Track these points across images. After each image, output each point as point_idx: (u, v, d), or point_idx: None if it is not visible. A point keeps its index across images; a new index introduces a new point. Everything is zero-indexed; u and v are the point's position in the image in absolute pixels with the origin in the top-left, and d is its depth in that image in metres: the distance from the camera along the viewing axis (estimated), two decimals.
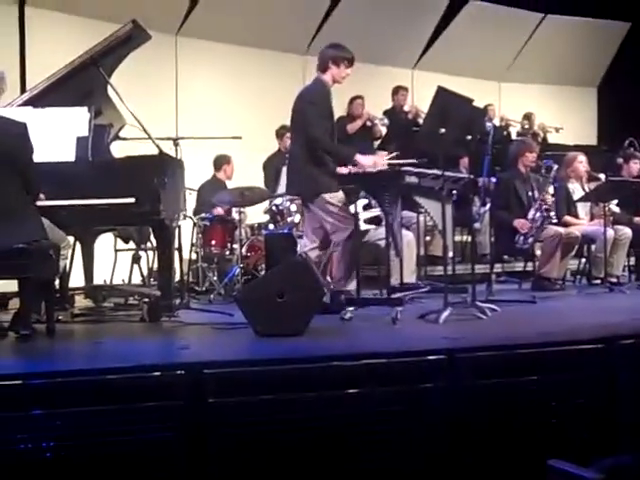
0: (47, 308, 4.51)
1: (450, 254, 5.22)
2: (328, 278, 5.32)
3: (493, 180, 6.95)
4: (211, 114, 9.02)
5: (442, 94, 5.00)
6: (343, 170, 5.30)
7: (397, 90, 9.53)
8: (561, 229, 7.01)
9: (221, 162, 8.22)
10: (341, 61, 5.42)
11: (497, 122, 9.77)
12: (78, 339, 4.71)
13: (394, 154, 5.56)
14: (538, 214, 6.95)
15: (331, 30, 9.74)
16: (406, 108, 9.34)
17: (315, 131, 5.29)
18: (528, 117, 10.52)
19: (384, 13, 10.16)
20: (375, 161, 5.32)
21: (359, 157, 5.33)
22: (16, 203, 4.24)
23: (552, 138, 10.74)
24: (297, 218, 7.09)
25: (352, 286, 5.29)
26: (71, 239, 5.20)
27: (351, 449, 3.29)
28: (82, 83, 5.41)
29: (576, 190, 7.47)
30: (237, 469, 3.19)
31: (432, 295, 5.59)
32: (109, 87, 5.49)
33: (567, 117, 11.35)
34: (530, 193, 7.10)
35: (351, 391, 3.34)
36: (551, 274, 6.92)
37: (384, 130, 8.91)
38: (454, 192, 5.28)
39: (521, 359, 3.64)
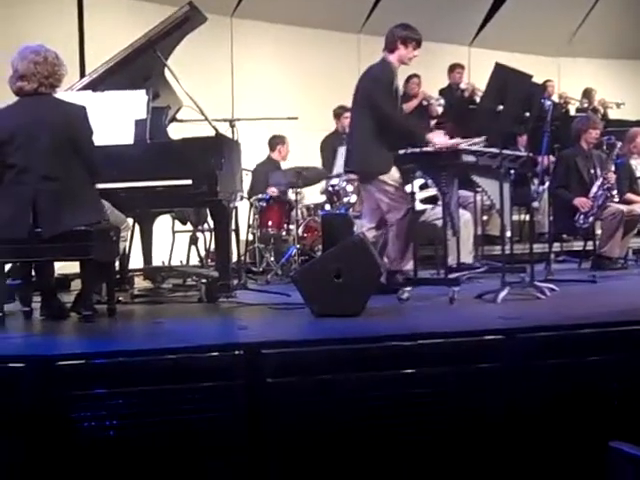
0: (108, 289, 4.58)
1: (508, 233, 5.16)
2: (385, 259, 5.30)
3: (552, 158, 6.84)
4: (267, 95, 9.04)
5: (500, 70, 4.93)
6: (436, 142, 5.18)
7: (453, 68, 9.43)
8: (623, 207, 6.88)
9: (276, 142, 8.24)
10: (410, 42, 5.35)
11: (556, 99, 9.61)
12: (138, 319, 4.77)
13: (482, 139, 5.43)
14: (600, 192, 6.83)
15: (386, 8, 9.67)
16: (462, 86, 9.23)
17: (386, 107, 5.23)
18: (588, 93, 10.31)
19: None
20: (446, 143, 5.20)
21: (432, 136, 5.18)
22: (78, 186, 4.29)
23: (613, 114, 10.52)
24: (353, 198, 7.08)
25: (409, 266, 5.26)
26: (130, 221, 5.26)
27: (408, 429, 3.29)
28: (140, 66, 5.46)
29: (639, 166, 7.31)
30: (295, 449, 3.21)
31: (489, 275, 5.55)
32: (166, 69, 5.54)
33: (628, 92, 11.09)
34: (592, 171, 6.98)
35: (408, 371, 3.34)
36: (612, 253, 6.81)
37: (440, 109, 8.82)
38: (512, 171, 5.21)
39: (581, 339, 3.59)
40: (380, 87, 5.26)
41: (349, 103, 5.68)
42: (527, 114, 5.06)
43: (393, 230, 5.29)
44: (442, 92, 9.14)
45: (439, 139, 5.12)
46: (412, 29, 5.39)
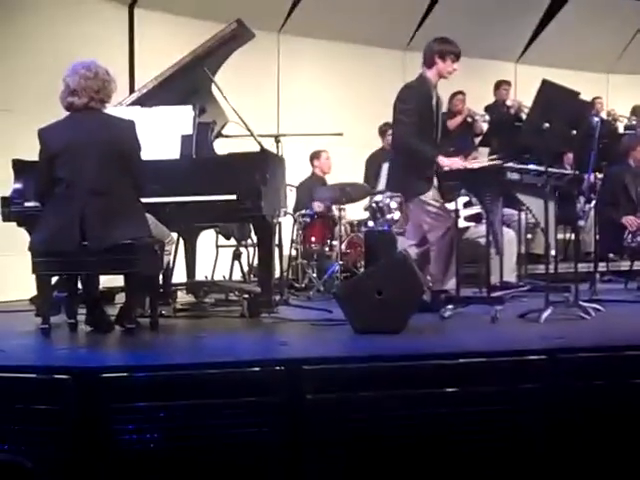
0: (151, 303, 4.62)
1: (552, 252, 5.11)
2: (428, 277, 5.28)
3: (599, 176, 6.76)
4: (312, 111, 9.08)
5: (547, 87, 4.89)
6: (444, 164, 5.19)
7: (499, 85, 9.38)
8: None
9: (312, 157, 8.30)
10: (447, 55, 5.33)
11: (604, 116, 9.50)
12: (180, 333, 4.81)
13: (494, 157, 5.45)
14: None
15: (432, 25, 9.66)
16: (509, 103, 9.16)
17: (398, 129, 5.26)
18: (637, 110, 10.18)
19: (487, 6, 10.01)
20: (454, 162, 5.20)
21: (440, 158, 5.20)
22: (125, 200, 4.34)
23: None
24: (397, 215, 7.05)
25: (450, 285, 5.24)
26: (174, 235, 5.31)
27: (448, 448, 3.26)
28: (188, 82, 5.53)
29: None
30: (334, 466, 3.20)
31: (533, 294, 5.49)
32: (213, 85, 5.60)
33: None
34: None
35: (449, 390, 3.32)
36: None
37: (485, 126, 8.78)
38: (557, 191, 5.16)
39: (627, 361, 3.53)
40: (402, 106, 5.26)
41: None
42: (574, 132, 5.01)
43: (434, 248, 5.28)
44: (488, 108, 9.10)
45: (444, 161, 5.12)
46: (450, 42, 5.37)
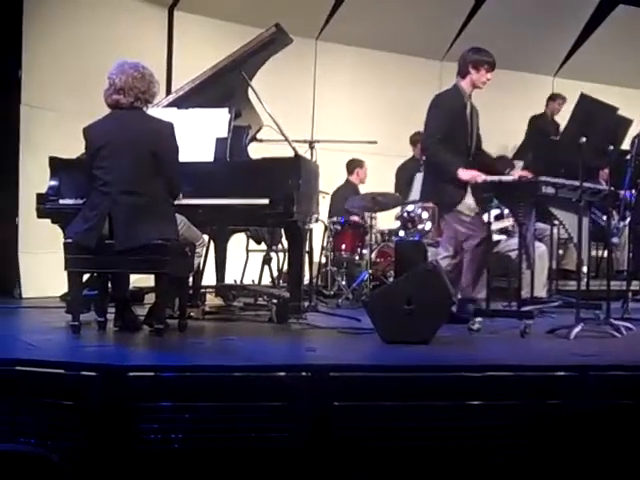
0: (180, 304, 4.65)
1: (584, 269, 5.06)
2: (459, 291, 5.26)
3: (634, 193, 6.68)
4: (347, 118, 9.07)
5: (585, 101, 4.86)
6: (478, 179, 5.18)
7: (554, 98, 9.28)
8: None
9: (354, 166, 8.28)
10: (481, 65, 5.31)
11: None
12: (208, 336, 4.82)
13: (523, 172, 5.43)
14: None
15: (470, 37, 9.60)
16: (558, 119, 9.05)
17: (425, 138, 5.25)
18: None
19: (526, 18, 9.93)
20: (473, 176, 5.16)
21: (460, 171, 5.15)
22: (156, 201, 4.37)
23: None
24: (428, 226, 7.04)
25: (480, 295, 5.21)
26: (206, 237, 5.33)
27: (471, 461, 3.24)
28: (224, 85, 5.55)
29: None
30: (359, 472, 3.19)
31: (563, 310, 5.43)
32: (250, 89, 5.61)
33: None
34: None
35: (475, 402, 3.29)
36: None
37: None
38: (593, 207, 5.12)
39: None
40: (432, 116, 5.26)
41: None
42: (611, 147, 4.96)
43: (468, 256, 5.26)
44: (534, 119, 9.00)
45: (463, 174, 5.10)
46: (484, 52, 5.35)
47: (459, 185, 5.21)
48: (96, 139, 4.41)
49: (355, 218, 7.55)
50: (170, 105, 5.45)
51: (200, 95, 5.50)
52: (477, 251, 5.21)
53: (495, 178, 5.10)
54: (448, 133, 5.24)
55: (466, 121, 5.36)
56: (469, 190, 5.30)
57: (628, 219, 6.77)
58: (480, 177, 5.09)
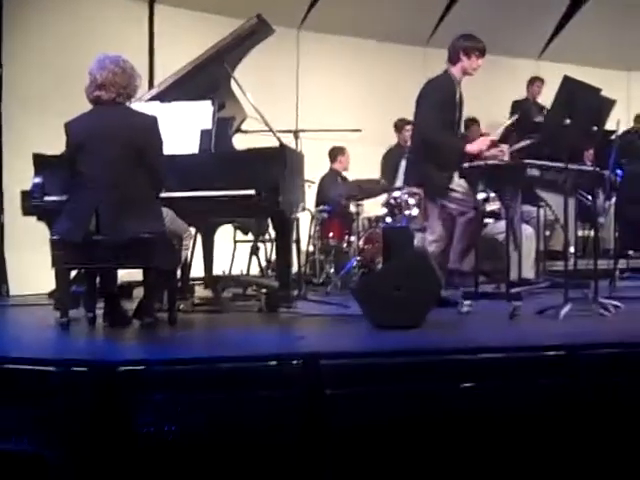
0: (169, 297, 4.63)
1: (571, 249, 5.09)
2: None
3: (619, 173, 6.72)
4: (331, 107, 9.06)
5: (568, 84, 4.86)
6: (487, 142, 5.25)
7: (533, 81, 9.31)
8: None
9: (335, 153, 8.32)
10: (472, 52, 5.35)
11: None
12: (198, 328, 4.82)
13: (523, 144, 5.47)
14: None
15: (452, 22, 9.61)
16: (540, 101, 9.08)
17: (423, 123, 5.27)
18: None
19: (508, 2, 9.95)
20: (481, 143, 5.24)
21: (468, 146, 5.26)
22: (141, 195, 4.35)
23: None
24: (415, 211, 7.04)
25: (466, 267, 5.25)
26: (192, 230, 5.32)
27: (464, 443, 3.25)
28: (207, 78, 5.53)
29: None
30: (353, 460, 3.20)
31: (551, 291, 5.47)
32: (232, 81, 5.60)
33: None
34: None
35: (467, 385, 3.31)
36: None
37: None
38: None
39: None
40: (426, 101, 5.28)
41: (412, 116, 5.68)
42: (595, 128, 4.98)
43: (459, 229, 5.30)
44: (517, 103, 9.02)
45: (471, 147, 5.16)
46: (474, 39, 5.38)
47: (447, 170, 5.24)
48: (77, 135, 4.38)
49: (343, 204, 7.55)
50: (153, 99, 5.43)
51: (183, 88, 5.48)
52: (470, 226, 5.25)
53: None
54: (441, 118, 5.28)
55: (455, 108, 5.39)
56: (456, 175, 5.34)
57: (614, 199, 6.81)
58: (487, 140, 5.16)
